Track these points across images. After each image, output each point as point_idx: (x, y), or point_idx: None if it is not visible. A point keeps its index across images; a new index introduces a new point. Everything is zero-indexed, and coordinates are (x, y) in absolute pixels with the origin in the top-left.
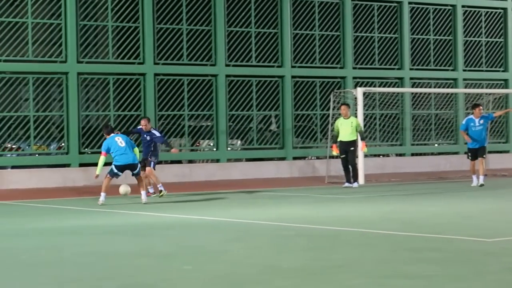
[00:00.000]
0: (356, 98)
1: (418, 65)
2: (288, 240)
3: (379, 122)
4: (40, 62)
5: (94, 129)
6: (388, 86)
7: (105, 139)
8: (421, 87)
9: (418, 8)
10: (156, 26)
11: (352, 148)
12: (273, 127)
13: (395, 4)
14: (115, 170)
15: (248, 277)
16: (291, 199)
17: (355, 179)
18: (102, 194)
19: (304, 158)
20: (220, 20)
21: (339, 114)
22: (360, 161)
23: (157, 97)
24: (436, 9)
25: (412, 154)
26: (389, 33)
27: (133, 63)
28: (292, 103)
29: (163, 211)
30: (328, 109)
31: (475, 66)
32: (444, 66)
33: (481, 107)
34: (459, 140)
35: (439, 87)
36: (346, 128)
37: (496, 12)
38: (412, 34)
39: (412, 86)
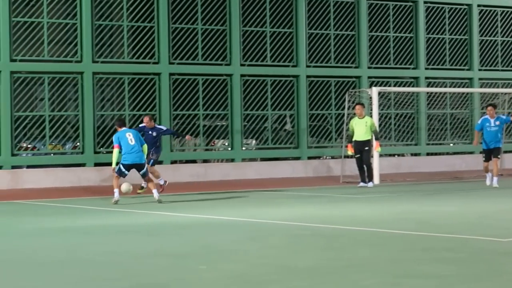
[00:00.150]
0: (371, 97)
1: (433, 65)
2: (303, 240)
3: (394, 122)
4: (55, 62)
5: (109, 129)
6: (403, 86)
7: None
8: (436, 86)
9: (433, 7)
10: (171, 26)
11: (366, 148)
12: (288, 126)
13: (411, 4)
14: (122, 169)
15: (262, 276)
16: (306, 198)
17: (370, 178)
18: (115, 191)
19: (319, 157)
20: (235, 19)
21: (354, 114)
22: (375, 160)
23: (172, 96)
24: (451, 8)
25: (427, 154)
26: (405, 33)
27: (148, 62)
28: (307, 103)
29: (178, 211)
30: (343, 109)
31: (490, 66)
32: (460, 65)
33: (491, 107)
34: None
35: (454, 87)
36: (361, 127)
37: None
38: (428, 33)
39: (428, 86)
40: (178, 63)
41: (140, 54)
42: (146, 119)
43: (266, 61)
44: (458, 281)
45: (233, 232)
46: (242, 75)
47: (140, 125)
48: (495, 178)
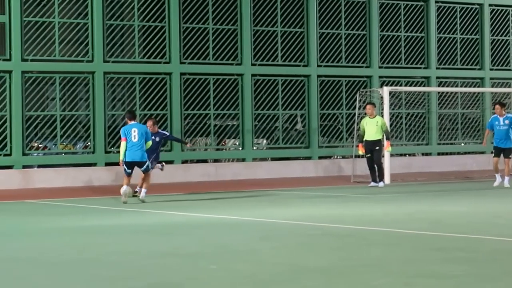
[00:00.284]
0: (382, 97)
1: (444, 64)
2: (314, 240)
3: (405, 122)
4: (66, 61)
5: (120, 129)
6: (414, 85)
7: (124, 124)
8: (447, 86)
9: (445, 6)
10: (182, 26)
11: (377, 148)
12: (298, 126)
13: (422, 3)
14: (125, 167)
15: (274, 276)
16: (317, 198)
17: (381, 178)
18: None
19: (329, 157)
20: (246, 19)
21: (365, 114)
22: (386, 160)
23: (183, 96)
24: (463, 7)
25: (439, 154)
26: (416, 32)
27: (159, 62)
28: (318, 102)
29: (189, 211)
30: (354, 109)
31: (502, 65)
32: (471, 65)
33: (499, 106)
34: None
35: (465, 86)
36: (372, 127)
37: None
38: (439, 33)
39: (439, 85)
40: (189, 63)
41: (151, 53)
42: (149, 123)
43: (277, 61)
44: (470, 281)
45: (244, 232)
46: (253, 75)
47: None
48: (506, 178)
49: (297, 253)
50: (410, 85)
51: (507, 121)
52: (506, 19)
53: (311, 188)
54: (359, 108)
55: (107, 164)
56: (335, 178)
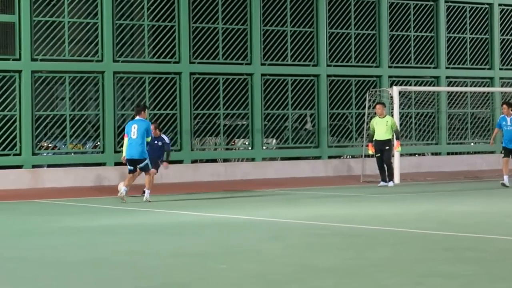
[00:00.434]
0: (391, 97)
1: (454, 64)
2: (324, 239)
3: (415, 121)
4: (76, 61)
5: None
6: (424, 85)
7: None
8: (457, 86)
9: (454, 6)
10: (192, 25)
11: (387, 147)
12: (308, 126)
13: (432, 3)
14: (127, 164)
15: (283, 276)
16: (326, 198)
17: (391, 178)
18: (124, 187)
19: (339, 157)
20: (255, 19)
21: (375, 113)
22: (396, 160)
23: (192, 96)
24: (472, 7)
25: (448, 153)
26: (425, 32)
27: (169, 62)
28: (328, 102)
29: (198, 210)
30: (364, 108)
31: (511, 65)
32: (481, 64)
33: (505, 106)
34: (496, 139)
35: (475, 86)
36: (381, 127)
37: None
38: (448, 32)
39: (448, 85)
40: (199, 63)
41: (160, 53)
42: (152, 127)
43: (287, 61)
44: (480, 281)
45: (254, 231)
46: (262, 74)
47: None
48: (505, 177)
49: (307, 253)
50: (420, 85)
51: None
52: None
53: (321, 187)
54: (368, 108)
55: (116, 164)
56: (345, 178)
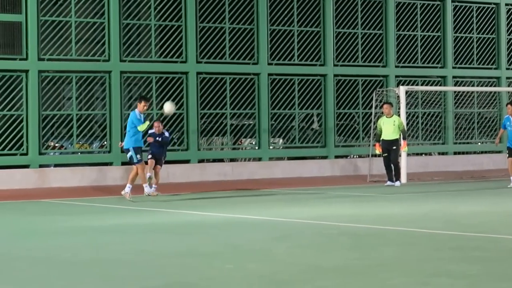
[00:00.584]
0: (398, 96)
1: (461, 64)
2: (331, 239)
3: (422, 121)
4: (83, 61)
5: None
6: (431, 85)
7: None
8: (463, 85)
9: (461, 6)
10: (199, 25)
11: (394, 147)
12: (315, 125)
13: (438, 2)
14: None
15: (290, 276)
16: (333, 198)
17: (397, 178)
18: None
19: (346, 156)
20: (262, 18)
21: (382, 113)
22: (403, 160)
23: (199, 95)
24: (479, 7)
25: (455, 153)
26: (432, 32)
27: (176, 61)
28: (334, 102)
29: (205, 210)
30: (371, 108)
31: None
32: (487, 64)
33: (510, 106)
34: (503, 138)
35: (482, 86)
36: (389, 127)
37: None
38: (455, 32)
39: (455, 85)
40: (206, 62)
41: (167, 53)
42: (157, 123)
43: (294, 60)
44: (486, 281)
45: (260, 231)
46: (269, 74)
47: (150, 132)
48: None
49: (313, 253)
50: (427, 85)
51: None
52: None
53: (327, 187)
54: (375, 108)
55: (123, 164)
56: (352, 178)
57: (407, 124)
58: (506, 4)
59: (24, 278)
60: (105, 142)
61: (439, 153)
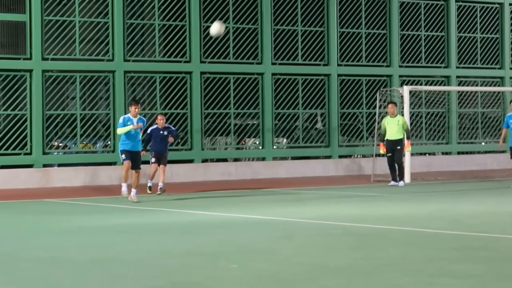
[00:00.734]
0: (402, 96)
1: (464, 64)
2: (335, 239)
3: (425, 121)
4: (87, 60)
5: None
6: (435, 85)
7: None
8: (467, 85)
9: (465, 6)
10: (203, 25)
11: (398, 147)
12: (319, 125)
13: (442, 2)
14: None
15: (294, 276)
16: (337, 197)
17: (401, 177)
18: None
19: (350, 156)
20: (266, 18)
21: (386, 113)
22: (407, 159)
23: (203, 95)
24: (483, 7)
25: (459, 153)
26: (436, 31)
27: (180, 61)
28: (338, 102)
29: (209, 210)
30: (374, 108)
31: None
32: (491, 64)
33: None
34: (506, 138)
35: (485, 85)
36: (393, 126)
37: None
38: (459, 32)
39: (459, 85)
40: (210, 62)
41: (171, 53)
42: (160, 116)
43: (298, 60)
44: (491, 281)
45: (265, 231)
46: (273, 74)
47: (152, 127)
48: None
49: (318, 252)
50: (430, 84)
51: None
52: None
53: (331, 187)
54: (379, 107)
55: None
56: (355, 177)
57: (411, 124)
58: (510, 4)
59: (28, 277)
60: (109, 142)
61: (443, 153)
